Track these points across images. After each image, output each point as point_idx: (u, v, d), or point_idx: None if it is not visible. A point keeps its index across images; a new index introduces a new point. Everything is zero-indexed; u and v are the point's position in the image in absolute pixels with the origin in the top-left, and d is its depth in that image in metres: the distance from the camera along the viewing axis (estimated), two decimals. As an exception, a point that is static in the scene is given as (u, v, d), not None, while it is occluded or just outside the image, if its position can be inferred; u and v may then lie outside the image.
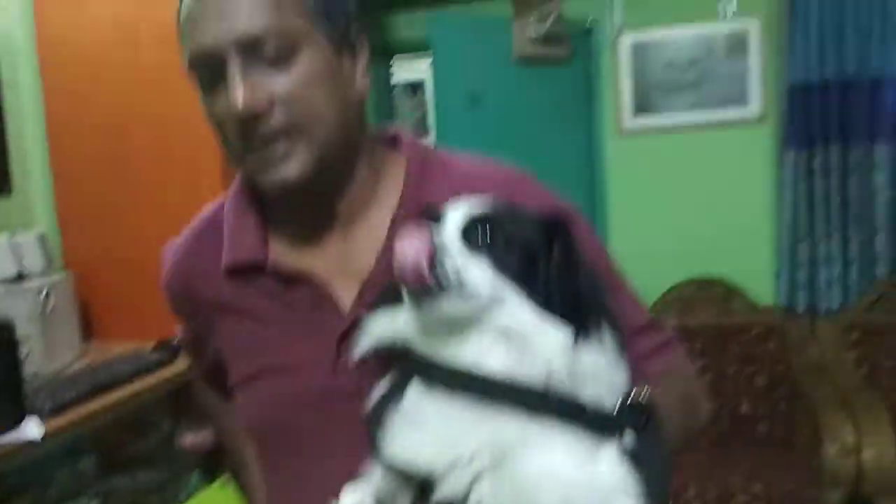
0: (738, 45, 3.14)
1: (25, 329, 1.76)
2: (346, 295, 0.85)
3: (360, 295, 0.85)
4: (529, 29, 3.06)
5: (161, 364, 1.87)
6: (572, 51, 3.19)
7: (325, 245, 0.89)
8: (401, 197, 0.88)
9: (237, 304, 0.90)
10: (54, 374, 1.87)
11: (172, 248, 0.99)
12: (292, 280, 0.87)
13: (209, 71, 0.80)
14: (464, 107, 2.91)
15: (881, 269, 2.98)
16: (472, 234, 0.68)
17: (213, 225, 0.93)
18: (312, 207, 0.88)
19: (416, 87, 5.03)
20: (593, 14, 3.25)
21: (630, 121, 3.24)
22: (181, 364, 1.91)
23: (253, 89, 0.78)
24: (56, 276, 2.00)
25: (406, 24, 3.42)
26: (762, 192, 3.18)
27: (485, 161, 0.95)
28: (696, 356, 2.92)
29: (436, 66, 2.90)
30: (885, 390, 2.73)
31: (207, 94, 0.82)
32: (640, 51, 3.22)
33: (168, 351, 1.93)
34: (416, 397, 0.66)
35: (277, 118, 0.79)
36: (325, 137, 0.82)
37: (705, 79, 3.18)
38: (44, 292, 1.91)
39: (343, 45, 0.85)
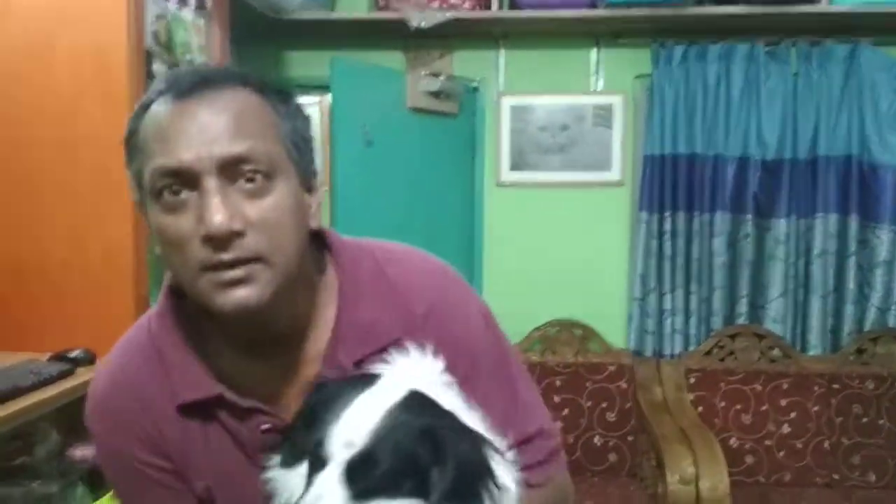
0: (604, 116, 3.51)
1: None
2: (294, 408, 0.87)
3: None
4: (422, 83, 3.30)
5: (61, 376, 1.88)
6: (460, 106, 3.45)
7: (269, 361, 0.91)
8: (336, 316, 0.91)
9: (194, 438, 0.92)
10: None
11: (110, 388, 0.96)
12: (245, 410, 0.90)
13: (177, 187, 0.81)
14: (358, 147, 3.08)
15: (717, 321, 3.39)
16: (357, 476, 0.71)
17: (151, 357, 0.93)
18: (258, 329, 0.88)
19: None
20: (480, 75, 3.54)
21: (507, 174, 3.53)
22: (79, 377, 1.92)
23: (230, 210, 0.79)
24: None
25: (301, 63, 3.56)
26: (619, 247, 3.54)
27: (407, 258, 0.99)
28: (555, 391, 3.19)
29: (334, 106, 3.06)
30: (717, 428, 3.10)
31: (168, 211, 0.82)
32: (518, 112, 3.53)
33: (67, 363, 1.94)
34: None
35: (248, 243, 0.81)
36: (286, 266, 0.84)
37: (574, 143, 3.53)
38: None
39: (306, 179, 0.89)
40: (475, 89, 3.55)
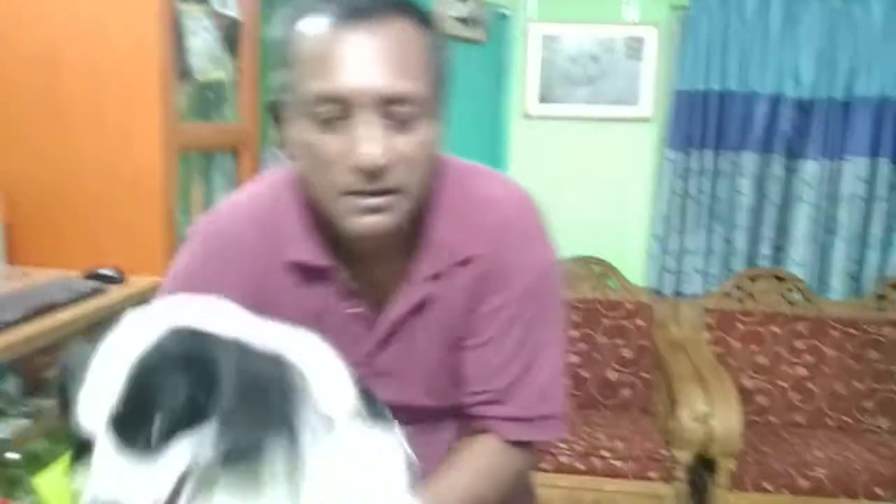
0: (635, 48, 3.43)
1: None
2: (368, 313, 0.98)
3: (382, 319, 0.97)
4: (450, 8, 3.21)
5: (95, 293, 1.90)
6: (488, 34, 3.37)
7: (363, 267, 0.97)
8: (417, 232, 0.95)
9: (285, 299, 0.96)
10: (-18, 295, 1.86)
11: (238, 216, 1.00)
12: (347, 291, 0.96)
13: (332, 111, 0.83)
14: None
15: (738, 262, 3.39)
16: (128, 434, 0.66)
17: (272, 212, 0.97)
18: (372, 245, 0.93)
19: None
20: (510, 2, 3.45)
21: (534, 106, 3.48)
22: (110, 295, 1.95)
23: (381, 145, 0.82)
24: (-19, 197, 1.96)
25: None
26: (643, 185, 3.51)
27: (490, 179, 1.03)
28: (573, 326, 3.22)
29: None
30: (732, 368, 3.13)
31: (319, 131, 0.84)
32: (548, 42, 3.45)
33: (99, 280, 1.96)
34: None
35: (392, 176, 0.84)
36: (418, 196, 0.89)
37: (603, 75, 3.45)
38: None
39: (442, 111, 0.91)
40: (504, 16, 3.46)
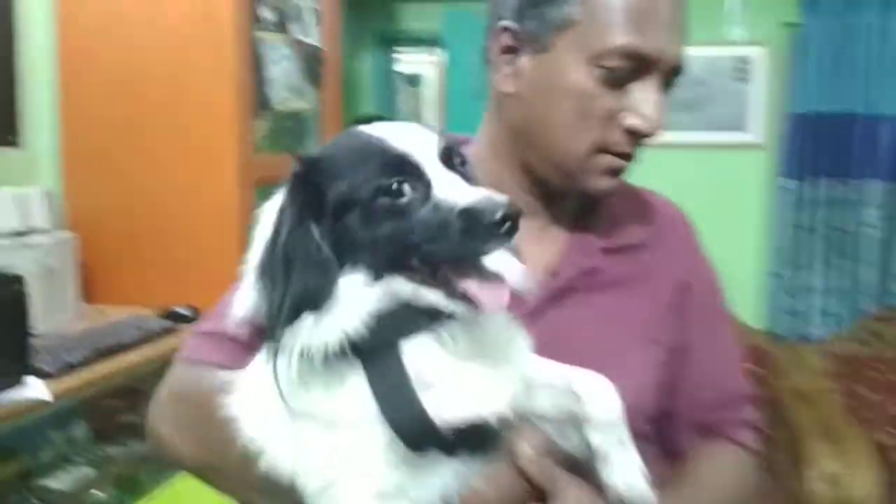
0: (743, 70, 3.18)
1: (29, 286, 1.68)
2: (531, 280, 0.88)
3: (542, 285, 0.85)
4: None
5: (167, 332, 1.81)
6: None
7: (538, 217, 0.91)
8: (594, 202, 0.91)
9: None
10: (56, 335, 1.80)
11: None
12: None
13: (629, 68, 0.79)
14: (473, 102, 2.89)
15: (866, 302, 3.05)
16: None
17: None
18: (574, 198, 0.90)
19: (412, 79, 5.00)
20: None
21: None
22: (183, 334, 1.85)
23: (663, 113, 0.80)
24: (60, 234, 1.92)
25: (414, 16, 3.39)
26: (755, 217, 3.23)
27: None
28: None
29: (449, 61, 2.89)
30: (865, 422, 2.79)
31: (602, 82, 0.79)
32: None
33: (174, 319, 1.87)
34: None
35: (650, 141, 0.83)
36: None
37: (707, 100, 3.22)
38: (48, 249, 1.83)
39: None
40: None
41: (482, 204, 0.58)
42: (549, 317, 0.85)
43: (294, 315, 0.60)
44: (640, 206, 0.96)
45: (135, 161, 2.05)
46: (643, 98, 0.79)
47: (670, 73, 0.81)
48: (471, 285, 0.60)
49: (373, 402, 0.61)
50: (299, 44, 2.21)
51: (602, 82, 0.79)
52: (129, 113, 2.05)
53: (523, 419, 0.69)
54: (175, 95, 2.01)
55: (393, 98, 3.94)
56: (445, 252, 0.59)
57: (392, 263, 0.61)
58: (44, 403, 1.45)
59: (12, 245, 1.77)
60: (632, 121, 0.80)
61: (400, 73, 4.10)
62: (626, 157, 0.83)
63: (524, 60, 0.83)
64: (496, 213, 0.57)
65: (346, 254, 0.61)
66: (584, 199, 0.91)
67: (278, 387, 0.62)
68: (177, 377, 0.85)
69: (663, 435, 0.93)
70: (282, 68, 2.14)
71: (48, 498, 1.55)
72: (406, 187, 0.61)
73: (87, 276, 2.04)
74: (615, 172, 0.84)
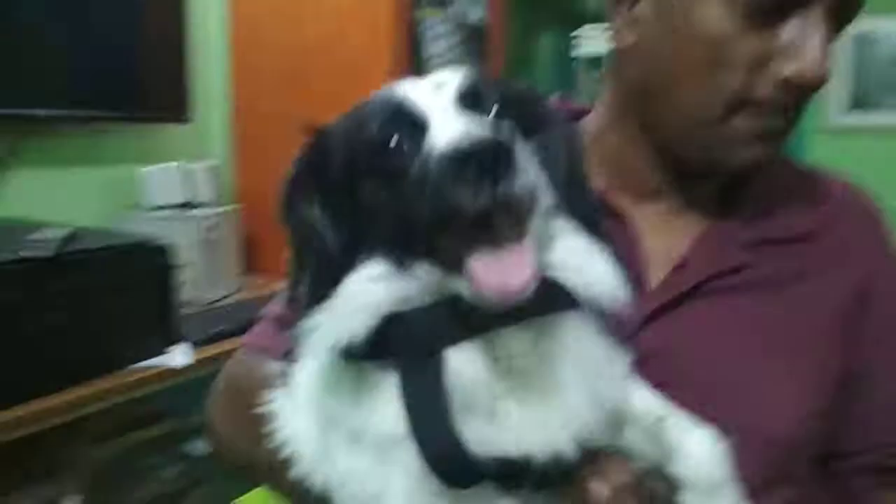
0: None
1: (188, 256, 1.76)
2: (653, 274, 0.74)
3: (667, 281, 0.72)
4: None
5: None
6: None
7: (664, 198, 0.77)
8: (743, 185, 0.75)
9: None
10: (210, 305, 1.87)
11: None
12: (631, 242, 0.75)
13: (777, 1, 0.64)
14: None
15: None
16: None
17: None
18: (709, 179, 0.75)
19: (594, 61, 4.78)
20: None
21: (836, 116, 2.89)
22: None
23: (829, 58, 0.64)
24: (224, 207, 2.00)
25: (598, -7, 3.22)
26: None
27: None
28: None
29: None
30: None
31: (746, 20, 0.65)
32: (861, 42, 2.85)
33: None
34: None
35: (807, 99, 0.67)
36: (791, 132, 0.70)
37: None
38: (210, 222, 1.91)
39: None
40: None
41: (459, 143, 0.44)
42: (668, 323, 0.70)
43: (309, 311, 0.50)
44: (804, 187, 0.78)
45: (297, 138, 2.09)
46: (802, 37, 0.63)
47: (837, 7, 0.64)
48: (478, 262, 0.46)
49: (404, 419, 0.49)
50: (460, 21, 2.14)
51: (745, 19, 0.63)
52: (295, 90, 2.09)
53: (607, 450, 0.55)
54: (335, 75, 2.02)
55: (572, 81, 3.78)
56: (428, 217, 0.45)
57: (410, 243, 0.48)
58: (188, 370, 1.51)
59: (177, 217, 1.86)
60: (787, 68, 0.63)
61: (579, 55, 3.91)
62: (779, 119, 0.67)
63: (643, 4, 0.70)
64: (457, 150, 0.44)
65: (364, 236, 0.51)
66: (728, 178, 0.74)
67: (307, 389, 0.55)
68: (233, 364, 0.80)
69: (828, 479, 0.76)
70: (441, 47, 2.08)
71: (189, 461, 1.61)
72: (400, 142, 0.49)
73: (253, 248, 2.11)
74: (765, 140, 0.68)
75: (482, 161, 0.43)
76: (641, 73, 0.71)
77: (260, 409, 0.62)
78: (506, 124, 0.50)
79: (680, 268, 0.73)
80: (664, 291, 0.71)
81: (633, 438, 0.57)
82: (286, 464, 0.58)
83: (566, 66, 3.69)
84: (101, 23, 1.78)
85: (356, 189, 0.51)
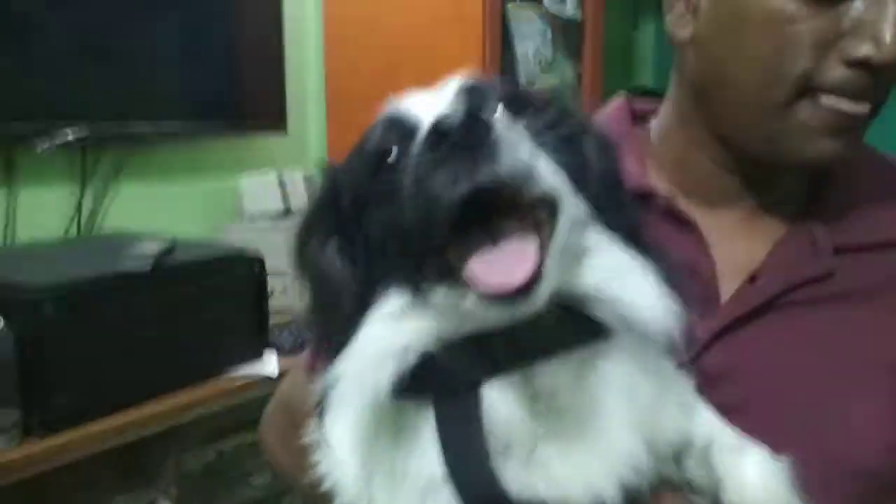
0: None
1: (284, 265, 1.78)
2: (725, 285, 0.68)
3: (739, 294, 0.66)
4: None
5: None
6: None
7: (737, 200, 0.71)
8: (831, 185, 0.69)
9: None
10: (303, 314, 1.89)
11: None
12: (698, 247, 0.69)
13: None
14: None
15: None
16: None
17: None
18: (779, 176, 0.69)
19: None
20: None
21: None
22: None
23: None
24: (320, 216, 2.02)
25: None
26: None
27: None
28: None
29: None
30: None
31: (813, 0, 0.60)
32: None
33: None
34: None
35: (886, 83, 0.61)
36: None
37: None
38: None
39: None
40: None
41: (430, 127, 0.41)
42: (740, 341, 0.63)
43: (332, 360, 0.48)
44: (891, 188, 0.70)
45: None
46: (871, 13, 0.57)
47: None
48: (477, 261, 0.42)
49: (441, 460, 0.46)
50: (554, 16, 2.08)
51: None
52: (387, 96, 2.09)
53: (667, 484, 0.50)
54: (427, 76, 2.00)
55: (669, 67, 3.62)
56: (419, 219, 0.42)
57: (420, 264, 0.45)
58: (275, 379, 1.53)
59: (272, 226, 1.89)
60: (858, 48, 0.58)
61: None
62: (853, 106, 0.60)
63: None
64: (428, 133, 0.40)
65: (379, 268, 0.47)
66: (806, 177, 0.69)
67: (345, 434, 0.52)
68: (287, 385, 0.79)
69: None
70: (533, 42, 2.03)
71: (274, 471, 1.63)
72: (399, 155, 0.46)
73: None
74: (839, 131, 0.61)
75: (456, 141, 0.39)
76: (701, 64, 0.66)
77: (305, 436, 0.60)
78: (503, 118, 0.47)
79: (754, 279, 0.66)
80: (736, 305, 0.65)
81: (694, 470, 0.51)
82: (327, 497, 0.56)
83: (667, 58, 3.53)
84: (201, 38, 1.84)
85: (365, 218, 0.48)
